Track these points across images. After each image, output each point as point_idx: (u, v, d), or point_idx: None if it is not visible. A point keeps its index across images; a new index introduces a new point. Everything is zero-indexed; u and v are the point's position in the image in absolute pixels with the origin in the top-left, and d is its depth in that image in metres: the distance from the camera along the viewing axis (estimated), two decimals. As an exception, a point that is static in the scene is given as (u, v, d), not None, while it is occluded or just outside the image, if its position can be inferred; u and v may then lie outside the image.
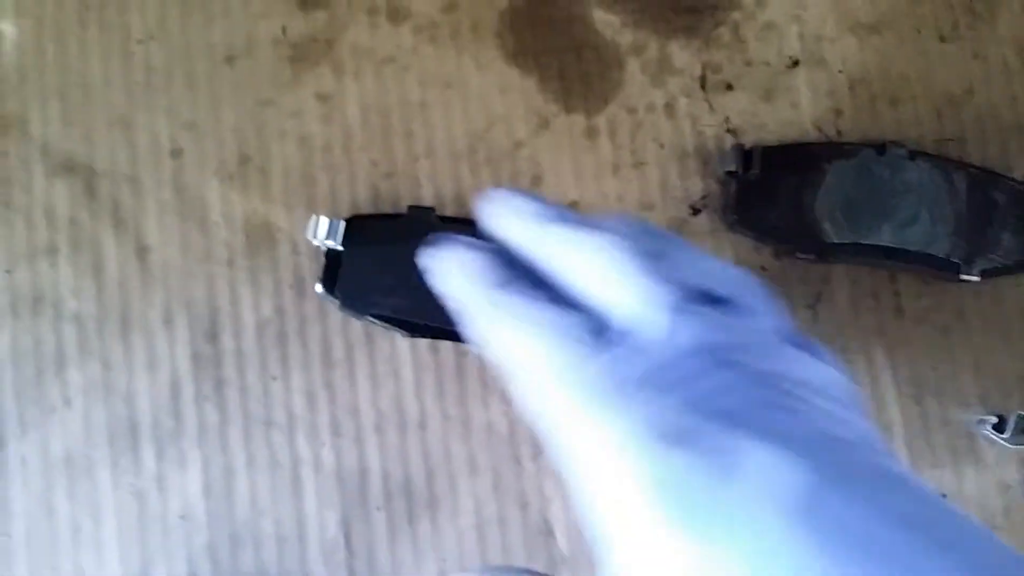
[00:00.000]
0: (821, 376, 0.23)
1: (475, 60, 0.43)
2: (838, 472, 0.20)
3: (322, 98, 0.42)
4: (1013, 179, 0.40)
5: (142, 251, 0.41)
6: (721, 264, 0.25)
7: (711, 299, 0.23)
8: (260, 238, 0.41)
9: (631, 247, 0.23)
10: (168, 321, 0.40)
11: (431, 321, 0.36)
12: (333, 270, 0.37)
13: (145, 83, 0.42)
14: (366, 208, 0.41)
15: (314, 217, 0.37)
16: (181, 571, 0.38)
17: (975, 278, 0.39)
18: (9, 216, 0.41)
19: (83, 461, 0.39)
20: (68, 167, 0.41)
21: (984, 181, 0.40)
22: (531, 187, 0.42)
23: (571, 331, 0.22)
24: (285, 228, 0.41)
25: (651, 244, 0.24)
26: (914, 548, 0.19)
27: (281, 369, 0.40)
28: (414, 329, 0.38)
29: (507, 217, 0.26)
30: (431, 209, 0.39)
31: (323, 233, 0.37)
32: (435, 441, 0.39)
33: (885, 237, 0.39)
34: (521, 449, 0.39)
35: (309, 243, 0.41)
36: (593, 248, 0.24)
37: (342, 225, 0.37)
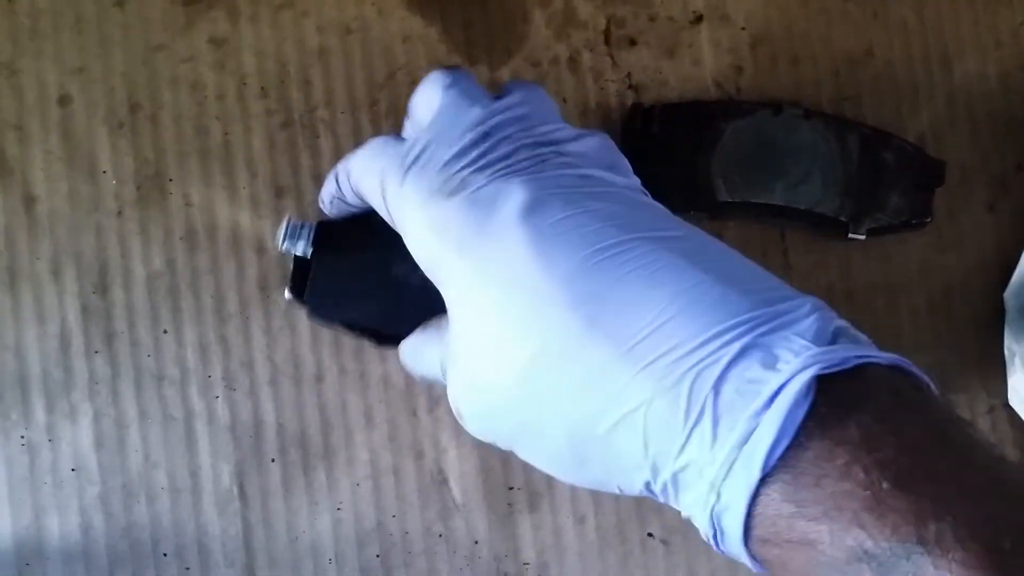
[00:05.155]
0: (588, 145, 0.30)
1: (376, 6, 0.42)
2: (558, 188, 0.27)
3: (216, 43, 0.41)
4: (904, 140, 0.41)
5: (29, 201, 0.40)
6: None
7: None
8: (151, 188, 0.40)
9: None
10: (56, 273, 0.39)
11: (403, 331, 0.34)
12: (302, 276, 0.34)
13: (31, 28, 0.41)
14: (262, 161, 0.40)
15: (284, 222, 0.34)
16: (74, 523, 0.38)
17: (861, 237, 0.40)
18: None
19: (-29, 414, 0.39)
20: (-51, 112, 0.40)
21: (876, 141, 0.40)
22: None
23: (399, 149, 0.30)
24: (176, 178, 0.40)
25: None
26: (608, 232, 0.26)
27: (172, 323, 0.39)
28: (383, 339, 0.36)
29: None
30: None
31: (291, 237, 0.34)
32: (331, 394, 0.40)
33: (777, 196, 0.40)
34: (417, 401, 0.40)
35: (201, 194, 0.40)
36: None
37: (312, 229, 0.34)
